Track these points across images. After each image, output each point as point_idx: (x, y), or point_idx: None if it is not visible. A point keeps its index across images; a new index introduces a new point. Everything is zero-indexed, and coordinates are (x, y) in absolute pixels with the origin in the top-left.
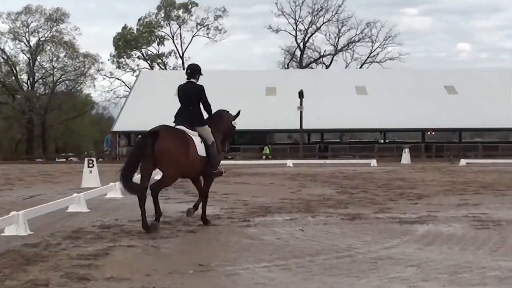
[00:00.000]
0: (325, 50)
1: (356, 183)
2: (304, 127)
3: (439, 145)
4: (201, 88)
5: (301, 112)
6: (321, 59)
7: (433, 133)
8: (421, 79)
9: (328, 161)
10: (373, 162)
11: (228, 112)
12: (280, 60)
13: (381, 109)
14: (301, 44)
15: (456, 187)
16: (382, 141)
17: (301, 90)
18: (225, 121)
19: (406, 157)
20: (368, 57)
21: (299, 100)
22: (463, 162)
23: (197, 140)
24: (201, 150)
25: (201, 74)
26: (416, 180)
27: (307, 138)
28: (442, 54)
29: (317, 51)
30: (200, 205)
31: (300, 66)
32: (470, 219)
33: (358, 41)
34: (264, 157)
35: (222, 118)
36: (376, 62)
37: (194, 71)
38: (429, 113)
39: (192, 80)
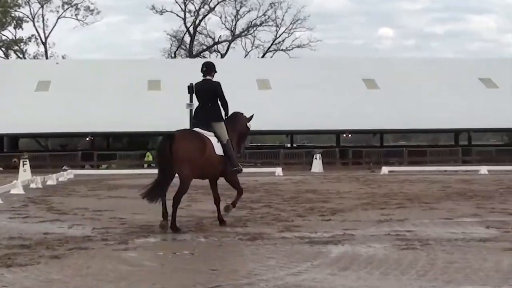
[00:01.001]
0: (220, 36)
1: (257, 196)
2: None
3: (356, 150)
4: (217, 85)
5: (190, 111)
6: (215, 46)
7: (350, 135)
8: (336, 71)
9: None
10: (278, 170)
11: (242, 113)
12: (166, 48)
13: (287, 107)
14: (191, 29)
15: (376, 200)
16: (289, 145)
17: (191, 84)
18: (240, 122)
19: (317, 165)
20: (272, 44)
21: (188, 96)
22: (385, 170)
23: (214, 140)
24: (218, 149)
25: (216, 71)
26: (330, 192)
27: None
28: (360, 41)
29: (210, 37)
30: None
31: (190, 55)
32: (393, 238)
33: (260, 24)
34: (146, 165)
35: (237, 119)
36: (282, 50)
37: (209, 68)
38: (345, 112)
39: (208, 77)
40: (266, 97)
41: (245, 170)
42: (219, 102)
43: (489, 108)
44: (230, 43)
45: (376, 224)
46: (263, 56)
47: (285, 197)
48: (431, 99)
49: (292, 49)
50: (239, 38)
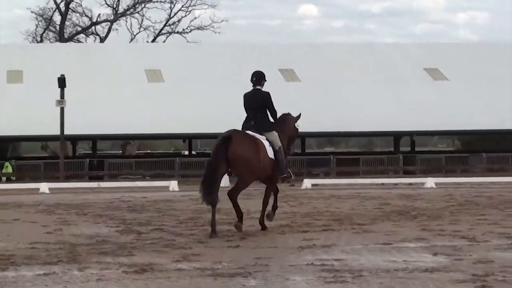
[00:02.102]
0: (100, 15)
1: (146, 217)
2: (66, 132)
3: None
4: (267, 95)
5: (62, 109)
6: (93, 28)
7: None
8: (246, 59)
9: (104, 184)
10: (173, 184)
11: (290, 114)
12: (30, 30)
13: (184, 104)
14: (62, 5)
15: (297, 221)
16: (187, 152)
17: (63, 75)
18: (289, 124)
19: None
20: (165, 26)
21: (59, 90)
22: (307, 183)
23: (266, 143)
24: (271, 152)
25: (266, 80)
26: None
27: (71, 149)
28: (277, 22)
29: (87, 16)
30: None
31: (61, 38)
32: (317, 269)
33: (150, 0)
34: (4, 178)
35: (286, 121)
36: (178, 33)
37: (259, 77)
38: None
39: (258, 87)
40: (157, 92)
41: (130, 184)
42: (268, 112)
43: (437, 105)
44: (111, 24)
45: (297, 252)
46: (154, 40)
47: (182, 218)
48: (364, 95)
49: (190, 31)
50: (123, 18)
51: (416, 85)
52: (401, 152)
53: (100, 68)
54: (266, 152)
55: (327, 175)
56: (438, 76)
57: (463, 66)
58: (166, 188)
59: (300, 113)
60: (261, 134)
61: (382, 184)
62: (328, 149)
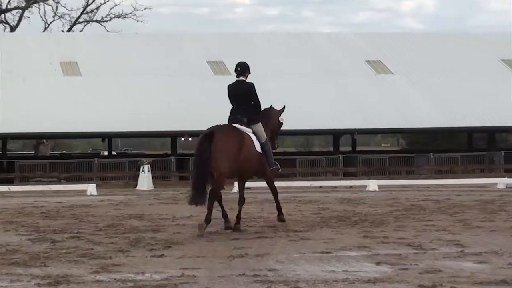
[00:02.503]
0: (10, 2)
1: (61, 224)
2: None
3: None
4: (251, 86)
5: None
6: (2, 16)
7: (190, 138)
8: (172, 50)
9: (14, 188)
10: (91, 188)
11: (273, 108)
12: None
13: (104, 100)
14: None
15: (248, 231)
16: (106, 153)
17: None
18: (273, 118)
19: (145, 179)
20: (82, 13)
21: None
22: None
23: (253, 137)
24: (258, 146)
25: (250, 72)
26: (163, 218)
27: None
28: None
29: None
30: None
31: None
32: (250, 280)
33: None
34: None
35: (270, 115)
36: (97, 21)
37: (243, 68)
38: (183, 107)
39: (241, 78)
40: (73, 86)
41: (43, 187)
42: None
43: (380, 101)
44: (23, 12)
45: (227, 261)
46: (70, 30)
47: (101, 225)
48: (300, 90)
49: (110, 20)
50: (36, 5)
51: (357, 79)
52: (341, 152)
53: (9, 60)
54: (254, 145)
55: (259, 177)
56: (382, 69)
57: (409, 58)
58: (83, 192)
59: (284, 106)
60: (248, 126)
61: (320, 187)
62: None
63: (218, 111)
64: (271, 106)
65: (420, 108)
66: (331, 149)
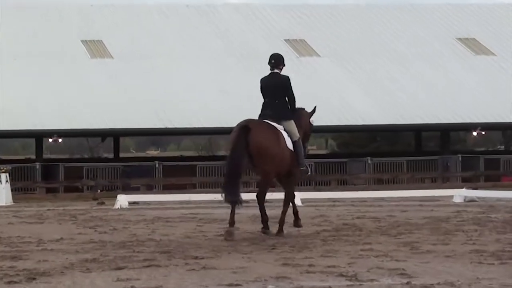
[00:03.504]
0: None
1: None
2: None
3: (72, 166)
4: (287, 79)
5: None
6: None
7: (60, 139)
8: (41, 28)
9: None
10: None
11: (304, 109)
12: None
13: None
14: None
15: (109, 254)
16: None
17: None
18: (304, 119)
19: (2, 192)
20: None
21: None
22: (122, 200)
23: (285, 134)
24: (290, 144)
25: (285, 65)
26: (25, 241)
27: None
28: None
29: None
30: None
31: None
32: None
33: None
34: None
35: (302, 116)
36: None
37: (278, 60)
38: (55, 99)
39: (276, 71)
40: None
41: None
42: (286, 98)
43: (303, 91)
44: None
45: None
46: None
47: None
48: (197, 78)
49: None
50: None
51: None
52: None
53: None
54: (286, 143)
55: (150, 188)
56: (306, 51)
57: (341, 37)
58: None
59: (315, 107)
60: (279, 123)
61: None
62: (152, 153)
63: (97, 105)
64: (302, 107)
65: (354, 101)
66: None
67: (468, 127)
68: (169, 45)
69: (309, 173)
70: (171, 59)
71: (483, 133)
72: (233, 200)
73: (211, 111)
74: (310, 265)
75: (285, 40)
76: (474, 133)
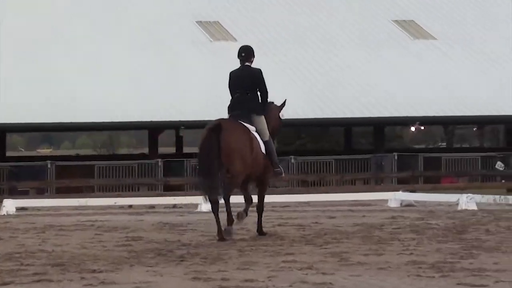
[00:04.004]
0: None
1: None
2: None
3: None
4: (259, 72)
5: None
6: None
7: None
8: None
9: None
10: None
11: (273, 102)
12: None
13: None
14: None
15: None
16: None
17: None
18: (273, 114)
19: None
20: None
21: None
22: (9, 205)
23: (257, 135)
24: (262, 146)
25: (254, 56)
26: None
27: None
28: None
29: None
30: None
31: None
32: None
33: None
34: None
35: (271, 110)
36: None
37: (248, 53)
38: None
39: (247, 63)
40: None
41: None
42: (258, 92)
43: (213, 79)
44: None
45: None
46: None
47: None
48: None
49: None
50: None
51: (186, 49)
52: (161, 155)
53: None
54: (259, 145)
55: (41, 192)
56: (220, 34)
57: (259, 19)
58: None
59: (285, 100)
60: (250, 119)
61: (130, 206)
62: (44, 151)
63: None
64: (271, 101)
65: (276, 91)
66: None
67: (405, 122)
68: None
69: (283, 175)
70: (67, 45)
71: (422, 128)
72: (212, 194)
73: (111, 104)
74: (224, 279)
75: (196, 22)
76: (412, 128)
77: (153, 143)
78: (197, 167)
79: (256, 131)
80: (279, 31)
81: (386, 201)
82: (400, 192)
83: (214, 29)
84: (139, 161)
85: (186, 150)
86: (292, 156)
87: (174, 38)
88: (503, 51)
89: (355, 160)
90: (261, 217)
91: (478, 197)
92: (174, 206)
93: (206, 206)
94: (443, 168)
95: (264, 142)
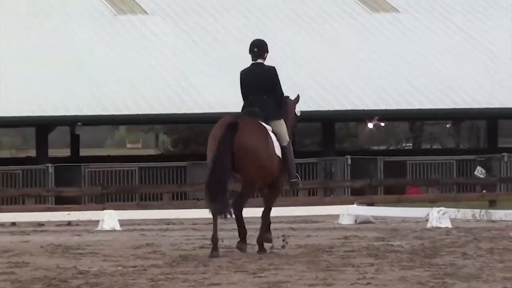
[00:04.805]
0: None
1: None
2: None
3: None
4: (273, 70)
5: None
6: None
7: None
8: None
9: None
10: None
11: (289, 97)
12: None
13: None
14: None
15: None
16: None
17: None
18: (289, 110)
19: None
20: None
21: None
22: None
23: (273, 137)
24: (278, 149)
25: (268, 52)
26: None
27: None
28: None
29: None
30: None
31: None
32: None
33: None
34: None
35: (287, 108)
36: None
37: (261, 48)
38: None
39: (259, 60)
40: None
41: None
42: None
43: (125, 66)
44: None
45: None
46: None
47: None
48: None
49: None
50: None
51: (85, 24)
52: (52, 159)
53: None
54: (274, 148)
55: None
56: (127, 7)
57: None
58: None
59: (298, 95)
60: (267, 123)
61: (14, 223)
62: None
63: None
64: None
65: (198, 80)
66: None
67: (360, 116)
68: None
69: (300, 185)
70: None
71: (382, 124)
72: (218, 211)
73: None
74: None
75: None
76: (370, 125)
77: (42, 144)
78: (208, 171)
79: (274, 133)
80: (199, 2)
81: (337, 216)
82: (355, 206)
83: (120, 1)
84: (25, 166)
85: (83, 152)
86: None
87: (68, 11)
88: (482, 27)
89: (298, 165)
90: (266, 226)
91: (453, 212)
92: (69, 223)
93: (108, 223)
94: (408, 175)
95: (283, 148)
